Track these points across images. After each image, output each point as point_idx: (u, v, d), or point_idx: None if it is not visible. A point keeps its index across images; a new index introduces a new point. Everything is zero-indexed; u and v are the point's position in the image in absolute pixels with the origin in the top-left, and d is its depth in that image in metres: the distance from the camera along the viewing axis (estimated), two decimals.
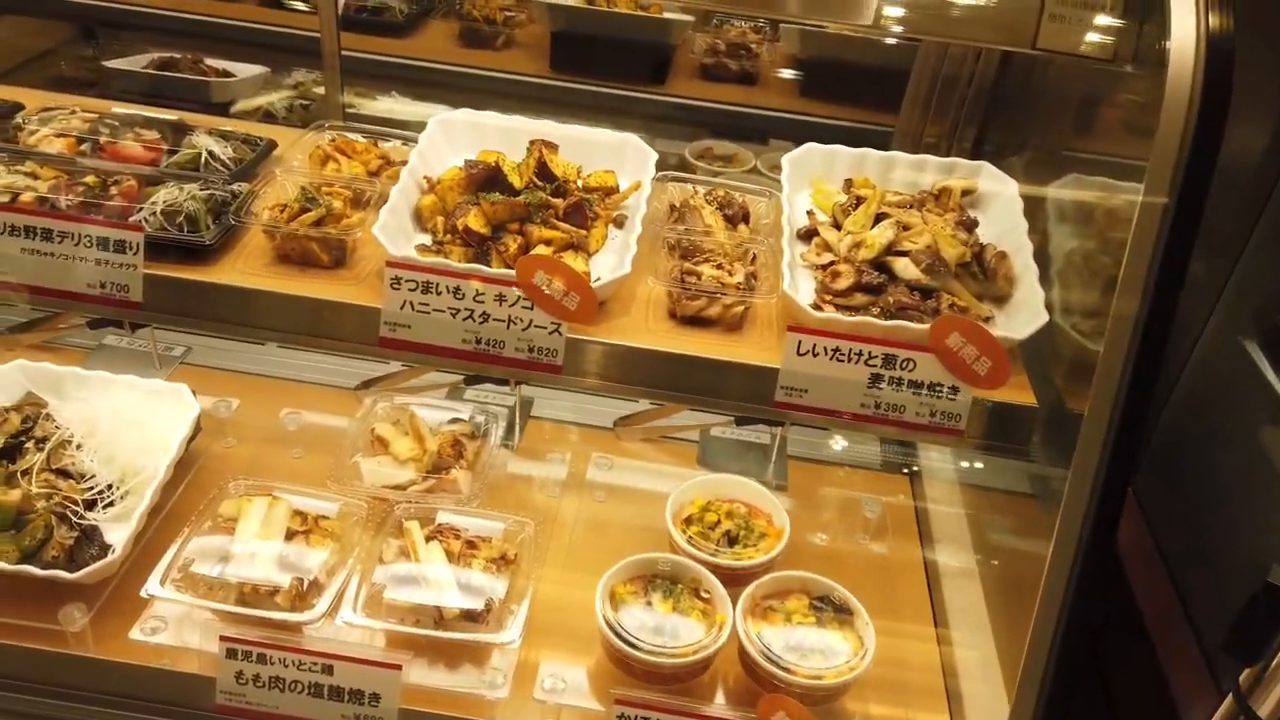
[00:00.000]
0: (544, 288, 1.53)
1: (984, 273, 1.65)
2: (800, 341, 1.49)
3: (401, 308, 1.57)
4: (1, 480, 1.83)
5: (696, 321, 1.62)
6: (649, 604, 1.76)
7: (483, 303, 1.56)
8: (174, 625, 1.75)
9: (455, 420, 2.18)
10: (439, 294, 1.56)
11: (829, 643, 1.72)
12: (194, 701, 1.67)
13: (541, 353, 1.58)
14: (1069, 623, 1.48)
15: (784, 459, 2.38)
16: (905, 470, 2.40)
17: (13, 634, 1.70)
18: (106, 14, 3.67)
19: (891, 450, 2.44)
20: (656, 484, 2.26)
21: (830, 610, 1.77)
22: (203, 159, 1.88)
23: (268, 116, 3.40)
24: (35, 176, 1.75)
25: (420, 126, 1.92)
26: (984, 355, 1.46)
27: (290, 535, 1.83)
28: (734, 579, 1.83)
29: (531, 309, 1.55)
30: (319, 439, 2.29)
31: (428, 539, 1.82)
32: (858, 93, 2.64)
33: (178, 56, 3.82)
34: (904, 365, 1.49)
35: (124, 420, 1.95)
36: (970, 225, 1.72)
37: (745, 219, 1.84)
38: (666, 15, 2.86)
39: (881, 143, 2.01)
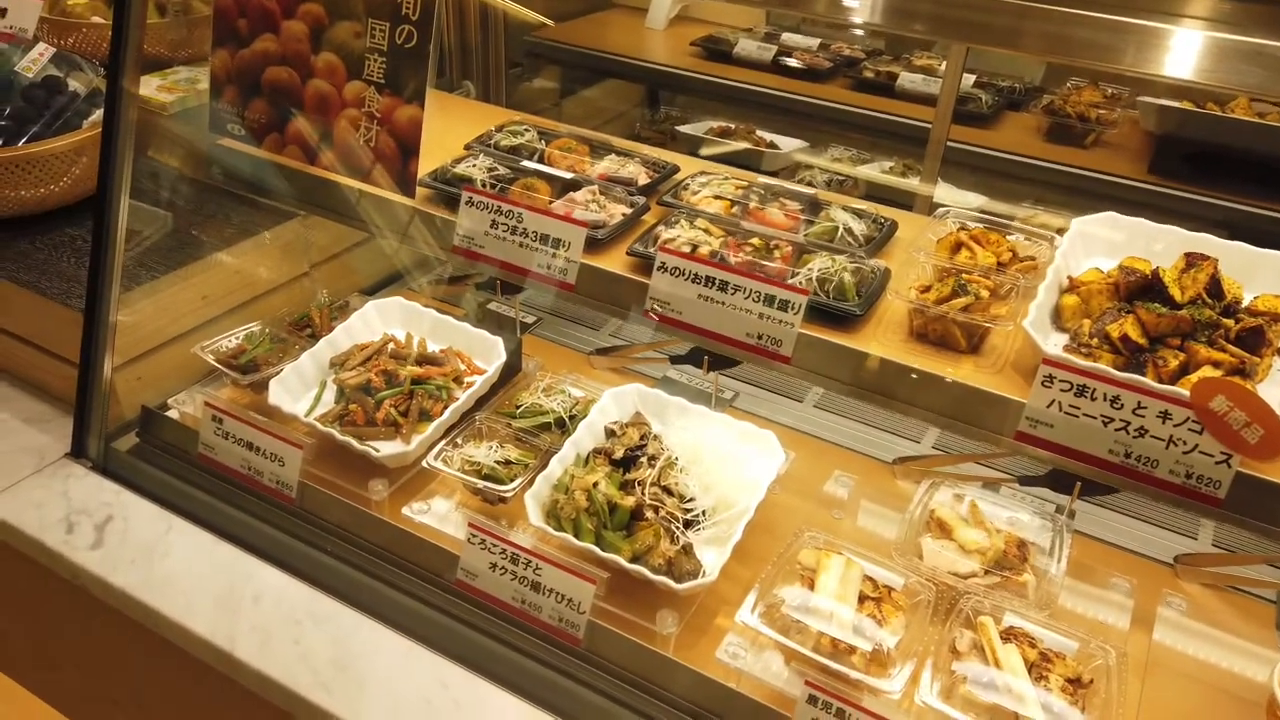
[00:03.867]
0: (1223, 414, 1.43)
1: None
2: None
3: (1049, 406, 1.57)
4: (618, 485, 2.11)
5: None
6: None
7: (1143, 417, 1.50)
8: (750, 654, 1.88)
9: (1014, 521, 2.13)
10: (1093, 399, 1.53)
11: None
12: None
13: (1202, 481, 1.48)
14: None
15: None
16: None
17: (615, 621, 1.93)
18: (671, 79, 4.16)
19: None
20: (1236, 640, 2.02)
21: None
22: (839, 233, 2.03)
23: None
24: (709, 233, 2.01)
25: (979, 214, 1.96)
26: None
27: (862, 599, 1.89)
28: None
29: (1200, 433, 1.46)
30: (859, 504, 2.37)
31: (1002, 639, 1.79)
32: None
33: (733, 126, 4.23)
34: None
35: (721, 454, 2.16)
36: None
37: None
38: None
39: None
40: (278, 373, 2.43)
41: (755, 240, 1.97)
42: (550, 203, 2.14)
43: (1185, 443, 1.47)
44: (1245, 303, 1.72)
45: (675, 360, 2.80)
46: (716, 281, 1.84)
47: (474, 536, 2.00)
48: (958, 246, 1.94)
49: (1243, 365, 1.57)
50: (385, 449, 2.23)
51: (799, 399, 2.85)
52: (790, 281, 1.84)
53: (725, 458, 2.16)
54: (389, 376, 2.40)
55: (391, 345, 2.54)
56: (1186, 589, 2.17)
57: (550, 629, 1.94)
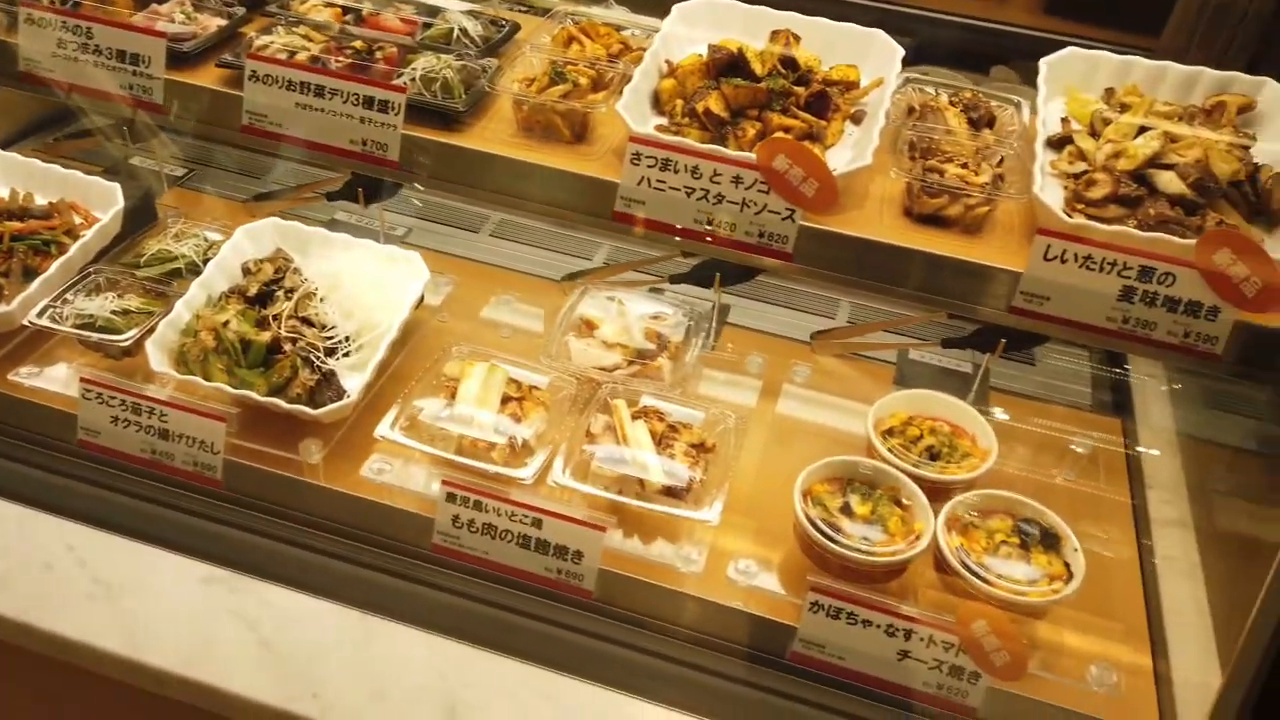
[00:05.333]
0: (784, 172, 1.52)
1: (1257, 194, 1.53)
2: (1049, 246, 1.43)
3: (639, 183, 1.60)
4: (254, 322, 2.00)
5: (934, 220, 1.58)
6: (846, 504, 1.76)
7: (719, 184, 1.57)
8: (397, 469, 1.88)
9: (659, 315, 2.23)
10: (676, 172, 1.58)
11: (1031, 565, 1.68)
12: (412, 539, 1.80)
13: (772, 238, 1.58)
14: None
15: (986, 389, 2.30)
16: (1117, 413, 2.28)
17: (258, 459, 1.87)
18: None
19: (1104, 391, 2.33)
20: (853, 397, 2.23)
21: (1036, 534, 1.72)
22: (455, 34, 1.95)
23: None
24: (309, 39, 1.87)
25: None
26: (1255, 275, 1.36)
27: (505, 401, 1.92)
28: (934, 493, 1.80)
29: (768, 193, 1.55)
30: (525, 321, 2.39)
31: (633, 418, 1.88)
32: (1111, 11, 2.46)
33: None
34: (1162, 280, 1.40)
35: (363, 279, 2.09)
36: (1245, 143, 1.59)
37: (990, 124, 1.77)
38: None
39: None
40: None
41: (358, 43, 1.86)
42: (130, 17, 1.91)
43: (756, 204, 1.56)
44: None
45: (331, 198, 2.66)
46: (313, 87, 1.72)
47: (88, 391, 1.85)
48: (570, 41, 1.92)
49: (811, 130, 1.67)
50: None
51: (474, 230, 2.81)
52: (392, 83, 1.75)
53: (369, 283, 2.10)
54: None
55: None
56: (820, 361, 2.37)
57: (186, 475, 1.85)
